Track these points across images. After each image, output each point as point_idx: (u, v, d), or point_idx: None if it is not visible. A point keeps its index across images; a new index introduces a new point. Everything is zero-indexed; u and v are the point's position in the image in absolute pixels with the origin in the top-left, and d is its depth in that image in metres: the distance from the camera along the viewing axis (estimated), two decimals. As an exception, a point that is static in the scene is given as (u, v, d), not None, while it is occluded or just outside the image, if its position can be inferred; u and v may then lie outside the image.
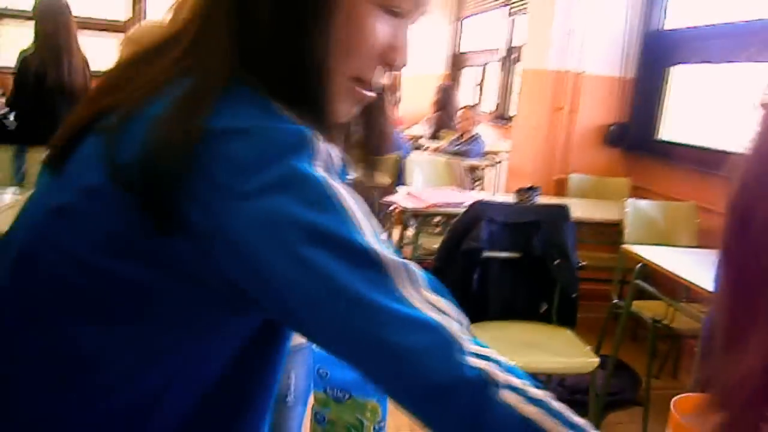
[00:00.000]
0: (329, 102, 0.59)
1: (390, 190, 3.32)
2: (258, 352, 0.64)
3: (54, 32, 3.21)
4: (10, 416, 0.59)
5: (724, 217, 0.38)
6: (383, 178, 3.38)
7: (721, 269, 0.39)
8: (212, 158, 0.51)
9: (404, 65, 0.62)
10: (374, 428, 0.83)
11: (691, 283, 2.08)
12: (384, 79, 0.63)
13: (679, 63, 3.55)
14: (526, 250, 2.41)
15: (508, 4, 5.67)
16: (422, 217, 3.13)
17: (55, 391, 0.57)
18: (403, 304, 0.50)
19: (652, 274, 2.49)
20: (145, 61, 0.60)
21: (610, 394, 2.63)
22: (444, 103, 5.79)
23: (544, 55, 3.82)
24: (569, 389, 2.69)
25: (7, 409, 0.59)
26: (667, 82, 3.64)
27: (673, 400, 0.80)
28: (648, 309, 2.59)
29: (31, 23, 3.31)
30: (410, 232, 3.28)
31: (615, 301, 2.86)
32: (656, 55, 3.66)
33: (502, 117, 5.74)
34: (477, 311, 2.35)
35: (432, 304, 0.52)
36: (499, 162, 4.88)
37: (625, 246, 2.60)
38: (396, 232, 3.42)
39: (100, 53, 4.51)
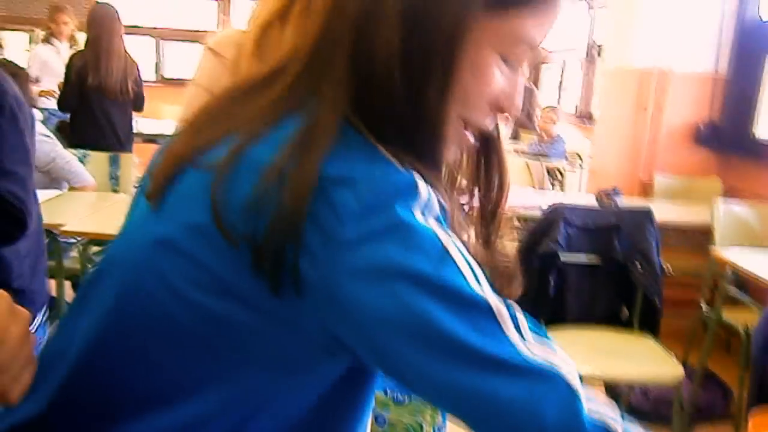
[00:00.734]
0: (441, 147, 0.58)
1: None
2: (346, 392, 0.63)
3: (98, 36, 3.52)
4: (104, 428, 0.59)
5: None
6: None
7: None
8: (322, 206, 0.50)
9: (516, 113, 0.61)
10: (434, 430, 0.83)
11: (787, 290, 1.95)
12: (491, 124, 0.62)
13: (778, 55, 3.34)
14: (606, 254, 2.33)
15: None
16: (498, 220, 3.08)
17: (152, 412, 0.58)
18: (514, 351, 0.49)
19: (744, 279, 2.35)
20: (246, 95, 0.59)
21: (697, 407, 2.49)
22: (523, 103, 5.68)
23: (627, 52, 3.68)
24: (653, 401, 2.58)
25: (102, 423, 0.60)
26: (764, 76, 3.42)
27: (751, 411, 0.75)
28: (739, 317, 2.44)
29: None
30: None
31: (703, 308, 2.71)
32: (752, 47, 3.44)
33: (584, 117, 5.58)
34: (554, 316, 2.29)
35: (543, 351, 0.50)
36: (581, 163, 4.74)
37: (715, 250, 2.46)
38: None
39: (190, 61, 4.76)
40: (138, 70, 3.73)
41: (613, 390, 2.70)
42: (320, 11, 0.57)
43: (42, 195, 2.52)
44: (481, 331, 0.48)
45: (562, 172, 4.68)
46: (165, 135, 4.79)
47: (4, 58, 4.06)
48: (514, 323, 0.50)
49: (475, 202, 0.68)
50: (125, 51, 3.64)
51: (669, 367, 2.07)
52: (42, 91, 4.46)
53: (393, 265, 0.49)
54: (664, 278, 2.32)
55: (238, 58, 1.00)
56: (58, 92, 3.79)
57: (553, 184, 4.46)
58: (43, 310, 1.51)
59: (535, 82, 6.60)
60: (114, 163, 3.07)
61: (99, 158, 3.04)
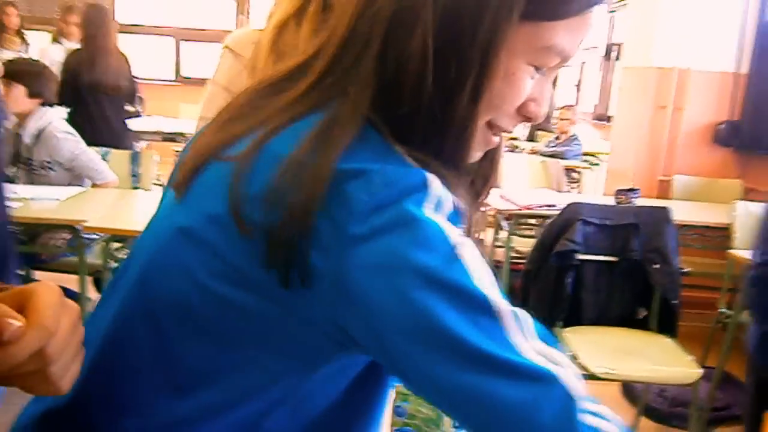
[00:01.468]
0: (466, 151, 0.59)
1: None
2: (362, 390, 0.63)
3: (93, 35, 3.63)
4: (126, 413, 0.61)
5: None
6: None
7: None
8: (335, 199, 0.51)
9: (543, 118, 0.62)
10: (453, 422, 0.83)
11: (807, 291, 1.92)
12: (515, 127, 0.63)
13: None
14: (623, 253, 2.31)
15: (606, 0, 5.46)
16: (515, 219, 3.08)
17: (168, 399, 0.59)
18: (515, 353, 0.49)
19: (764, 281, 2.32)
20: (271, 92, 0.60)
21: (714, 408, 2.47)
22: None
23: (647, 52, 3.65)
24: (669, 401, 2.56)
25: (124, 408, 0.61)
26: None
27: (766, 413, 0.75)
28: (759, 319, 2.41)
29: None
30: (503, 234, 3.23)
31: (722, 310, 2.69)
32: (773, 47, 3.41)
33: (601, 117, 5.54)
34: (570, 315, 2.28)
35: (545, 355, 0.50)
36: (598, 164, 4.71)
37: (734, 251, 2.44)
38: (489, 235, 3.38)
39: (209, 60, 4.80)
40: (129, 66, 3.86)
41: (630, 390, 2.69)
42: (348, 12, 0.58)
43: (65, 192, 2.58)
44: (482, 331, 0.49)
45: (579, 172, 4.66)
46: (184, 133, 4.84)
47: (30, 58, 4.11)
48: (519, 327, 0.50)
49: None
50: (118, 48, 3.78)
51: (686, 368, 2.06)
52: None
53: (399, 260, 0.49)
54: (682, 279, 2.31)
55: (255, 57, 1.02)
56: None
57: (571, 185, 4.44)
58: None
59: (553, 82, 6.57)
60: (134, 160, 3.11)
61: (120, 156, 3.08)
